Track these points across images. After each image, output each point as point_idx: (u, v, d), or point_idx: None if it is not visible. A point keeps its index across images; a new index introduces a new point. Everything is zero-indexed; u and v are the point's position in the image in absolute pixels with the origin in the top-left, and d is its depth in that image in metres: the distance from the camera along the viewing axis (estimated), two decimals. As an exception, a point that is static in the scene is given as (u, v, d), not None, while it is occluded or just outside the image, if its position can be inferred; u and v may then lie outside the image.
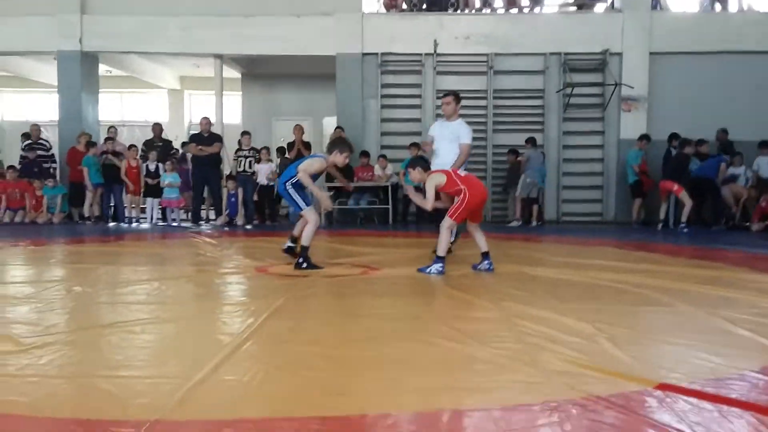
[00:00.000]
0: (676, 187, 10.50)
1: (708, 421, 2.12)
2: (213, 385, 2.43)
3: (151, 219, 11.41)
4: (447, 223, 5.45)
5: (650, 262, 6.25)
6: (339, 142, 6.04)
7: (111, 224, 11.11)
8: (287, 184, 5.72)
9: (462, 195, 5.37)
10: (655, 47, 12.30)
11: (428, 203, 5.53)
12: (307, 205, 5.76)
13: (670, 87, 12.31)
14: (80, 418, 2.15)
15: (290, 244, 6.06)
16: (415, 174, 5.67)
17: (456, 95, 6.84)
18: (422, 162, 5.84)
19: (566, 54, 12.39)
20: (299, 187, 5.72)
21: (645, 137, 11.60)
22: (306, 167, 5.69)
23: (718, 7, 13.09)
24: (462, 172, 5.67)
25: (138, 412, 2.14)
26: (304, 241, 5.65)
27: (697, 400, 2.29)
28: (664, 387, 2.41)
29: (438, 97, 12.24)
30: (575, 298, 4.29)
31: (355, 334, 3.34)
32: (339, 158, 5.81)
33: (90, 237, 9.07)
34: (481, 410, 2.24)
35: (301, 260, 5.61)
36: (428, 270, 5.40)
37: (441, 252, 5.43)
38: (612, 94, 12.30)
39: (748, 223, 10.74)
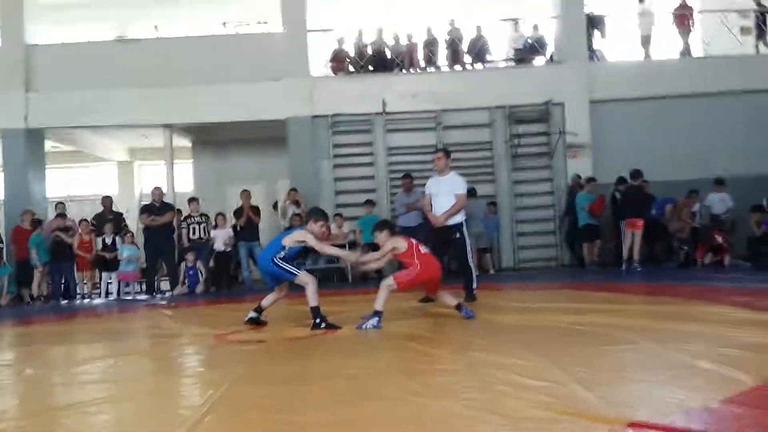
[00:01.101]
0: (640, 223, 10.72)
1: (680, 456, 2.11)
2: (175, 462, 2.33)
3: (107, 293, 11.08)
4: (388, 282, 5.54)
5: (610, 302, 6.33)
6: (314, 211, 6.05)
7: (63, 302, 10.76)
8: (275, 258, 5.67)
9: (413, 269, 5.51)
10: (594, 96, 12.83)
11: (377, 262, 5.89)
12: (299, 270, 5.73)
13: (612, 133, 12.81)
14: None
15: (253, 314, 5.91)
16: (382, 237, 5.76)
17: (446, 151, 7.34)
18: (390, 226, 5.99)
19: (511, 107, 12.78)
20: (287, 258, 5.70)
21: (591, 179, 11.92)
22: (291, 239, 5.75)
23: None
24: (423, 249, 5.71)
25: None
26: (312, 302, 5.55)
27: (667, 436, 2.29)
28: (635, 425, 2.40)
29: (389, 155, 12.51)
30: (540, 343, 4.28)
31: (321, 398, 3.25)
32: (315, 227, 5.83)
33: (41, 317, 8.74)
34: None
35: (318, 320, 5.52)
36: (364, 326, 5.38)
37: (378, 306, 5.45)
38: (557, 142, 12.68)
39: (697, 259, 11.02)
